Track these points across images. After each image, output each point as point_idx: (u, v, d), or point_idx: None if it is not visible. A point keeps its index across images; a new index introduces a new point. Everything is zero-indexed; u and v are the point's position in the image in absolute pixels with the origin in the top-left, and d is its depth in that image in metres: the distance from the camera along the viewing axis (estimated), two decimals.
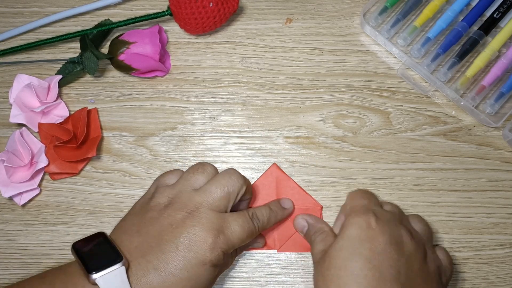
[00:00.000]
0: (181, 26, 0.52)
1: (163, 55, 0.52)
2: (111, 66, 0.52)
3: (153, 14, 0.51)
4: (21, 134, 0.49)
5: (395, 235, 0.39)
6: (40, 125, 0.50)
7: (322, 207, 0.48)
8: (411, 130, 0.51)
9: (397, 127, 0.51)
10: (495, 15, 0.52)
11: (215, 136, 0.51)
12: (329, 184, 0.49)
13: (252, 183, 0.48)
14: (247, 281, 0.47)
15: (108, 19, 0.52)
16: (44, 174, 0.50)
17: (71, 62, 0.51)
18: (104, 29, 0.51)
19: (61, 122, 0.50)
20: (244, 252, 0.48)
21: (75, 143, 0.49)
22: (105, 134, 0.51)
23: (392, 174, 0.50)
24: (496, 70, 0.50)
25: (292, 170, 0.49)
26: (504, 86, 0.50)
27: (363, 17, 0.52)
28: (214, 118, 0.51)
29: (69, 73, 0.51)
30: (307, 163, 0.50)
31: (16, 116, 0.49)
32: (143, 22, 0.52)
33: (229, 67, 0.53)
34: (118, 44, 0.50)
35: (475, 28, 0.52)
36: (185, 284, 0.37)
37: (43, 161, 0.48)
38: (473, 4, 0.53)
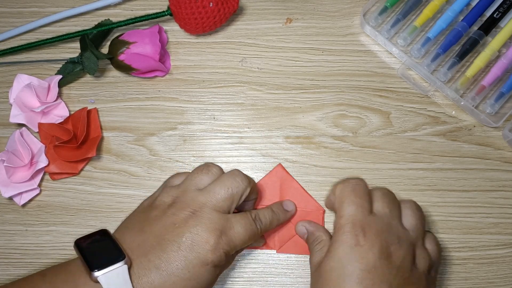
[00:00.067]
0: (181, 26, 0.52)
1: (163, 55, 0.52)
2: (111, 66, 0.52)
3: (153, 14, 0.51)
4: (21, 134, 0.49)
5: (384, 246, 0.38)
6: (40, 125, 0.50)
7: (324, 211, 0.48)
8: (411, 130, 0.51)
9: (397, 127, 0.51)
10: (495, 15, 0.52)
11: (215, 136, 0.51)
12: (329, 184, 0.49)
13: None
14: (247, 281, 0.47)
15: (108, 19, 0.52)
16: (44, 174, 0.50)
17: (71, 62, 0.51)
18: (104, 29, 0.51)
19: (61, 122, 0.50)
20: (244, 252, 0.48)
21: (75, 143, 0.49)
22: (105, 134, 0.51)
23: (392, 174, 0.50)
24: (496, 70, 0.50)
25: (292, 170, 0.49)
26: (504, 86, 0.50)
27: (363, 17, 0.52)
28: (214, 118, 0.51)
29: (69, 73, 0.51)
30: (307, 163, 0.50)
31: (16, 116, 0.49)
32: (143, 22, 0.52)
33: (229, 67, 0.53)
34: (118, 44, 0.50)
35: (475, 28, 0.52)
36: (186, 284, 0.37)
37: (43, 161, 0.48)
38: (473, 4, 0.53)
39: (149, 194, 0.44)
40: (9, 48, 0.52)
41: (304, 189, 0.48)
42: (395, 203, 0.42)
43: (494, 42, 0.51)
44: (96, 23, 0.52)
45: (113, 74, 0.53)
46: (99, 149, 0.50)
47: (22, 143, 0.48)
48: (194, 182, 0.41)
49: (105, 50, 0.52)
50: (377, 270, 0.37)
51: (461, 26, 0.51)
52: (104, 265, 0.36)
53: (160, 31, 0.51)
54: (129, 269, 0.37)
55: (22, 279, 0.39)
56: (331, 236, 0.42)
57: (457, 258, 0.48)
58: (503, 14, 0.52)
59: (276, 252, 0.47)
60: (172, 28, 0.54)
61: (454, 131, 0.51)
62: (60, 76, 0.50)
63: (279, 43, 0.53)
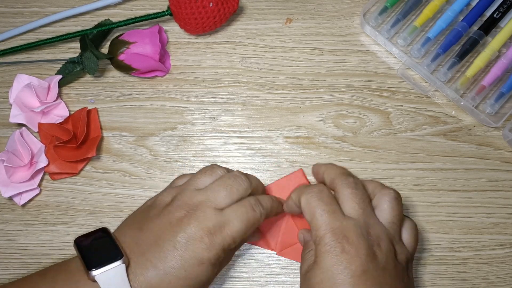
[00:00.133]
0: (181, 26, 0.52)
1: (163, 55, 0.52)
2: (111, 66, 0.52)
3: (153, 14, 0.51)
4: (21, 134, 0.49)
5: (369, 248, 0.38)
6: (40, 125, 0.50)
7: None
8: (411, 130, 0.51)
9: (397, 127, 0.51)
10: (495, 15, 0.52)
11: (215, 136, 0.51)
12: None
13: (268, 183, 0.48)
14: (247, 281, 0.47)
15: (108, 19, 0.52)
16: (44, 174, 0.50)
17: (71, 62, 0.51)
18: (104, 29, 0.51)
19: (61, 122, 0.50)
20: (244, 252, 0.48)
21: (75, 143, 0.49)
22: (105, 134, 0.51)
23: (392, 174, 0.50)
24: (496, 70, 0.50)
25: (292, 170, 0.49)
26: (504, 86, 0.50)
27: (363, 17, 0.52)
28: (214, 118, 0.51)
29: (69, 73, 0.51)
30: (307, 163, 0.50)
31: (16, 116, 0.49)
32: (143, 22, 0.52)
33: (229, 67, 0.53)
34: (118, 44, 0.50)
35: (475, 28, 0.52)
36: (182, 283, 0.37)
37: (43, 161, 0.48)
38: (473, 4, 0.53)
39: (149, 194, 0.44)
40: (9, 48, 0.52)
41: None
42: (365, 199, 0.40)
43: (494, 42, 0.51)
44: (96, 23, 0.52)
45: (113, 74, 0.53)
46: (99, 149, 0.50)
47: (22, 143, 0.48)
48: (196, 183, 0.41)
49: (105, 50, 0.52)
50: (366, 274, 0.37)
51: (461, 26, 0.51)
52: (102, 264, 0.36)
53: (160, 31, 0.51)
54: (127, 267, 0.37)
55: (22, 279, 0.39)
56: None
57: (457, 258, 0.48)
58: (503, 14, 0.52)
59: (276, 254, 0.47)
60: (172, 28, 0.54)
61: (454, 131, 0.51)
62: (60, 76, 0.50)
63: (279, 43, 0.53)
